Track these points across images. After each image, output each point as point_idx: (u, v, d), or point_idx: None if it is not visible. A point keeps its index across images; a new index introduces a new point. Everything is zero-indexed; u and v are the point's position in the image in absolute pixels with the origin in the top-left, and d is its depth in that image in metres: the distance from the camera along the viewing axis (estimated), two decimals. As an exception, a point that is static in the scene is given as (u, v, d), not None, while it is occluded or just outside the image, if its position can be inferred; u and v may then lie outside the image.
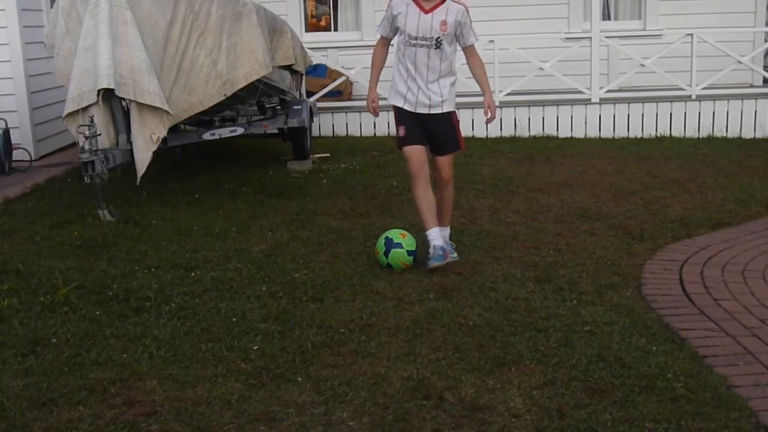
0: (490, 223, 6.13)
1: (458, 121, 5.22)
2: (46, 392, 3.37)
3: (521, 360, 3.66)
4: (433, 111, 5.03)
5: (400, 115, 5.09)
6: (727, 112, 10.58)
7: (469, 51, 5.12)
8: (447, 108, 5.06)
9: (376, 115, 5.30)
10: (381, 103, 5.27)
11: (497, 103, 10.36)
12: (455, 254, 5.09)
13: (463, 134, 5.23)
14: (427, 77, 4.96)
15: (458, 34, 4.98)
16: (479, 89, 5.16)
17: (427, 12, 4.88)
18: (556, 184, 7.53)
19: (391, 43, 5.23)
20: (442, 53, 4.94)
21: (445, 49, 4.93)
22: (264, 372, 3.55)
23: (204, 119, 7.67)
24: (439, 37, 4.89)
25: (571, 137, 10.45)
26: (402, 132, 5.07)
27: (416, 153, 5.03)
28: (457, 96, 5.01)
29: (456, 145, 5.15)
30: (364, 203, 6.75)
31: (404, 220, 6.14)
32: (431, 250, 4.97)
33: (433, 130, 5.07)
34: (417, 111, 5.03)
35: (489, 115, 5.07)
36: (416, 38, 4.90)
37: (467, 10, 4.96)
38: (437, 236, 5.02)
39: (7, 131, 7.97)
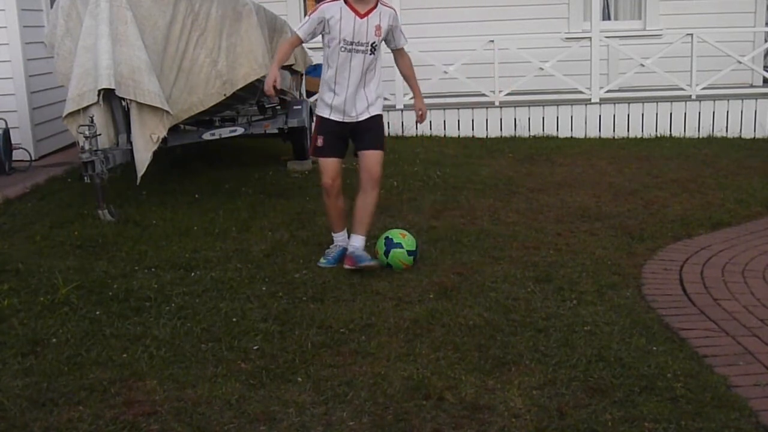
0: (490, 223, 6.13)
1: (382, 125, 5.09)
2: (46, 392, 3.37)
3: (521, 360, 3.66)
4: (361, 118, 4.94)
5: (323, 124, 4.97)
6: (727, 112, 10.58)
7: (399, 53, 5.10)
8: (374, 112, 4.97)
9: (273, 94, 4.90)
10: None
11: (497, 103, 10.36)
12: (373, 261, 4.88)
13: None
14: (357, 83, 4.86)
15: (388, 38, 4.96)
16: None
17: (362, 16, 4.79)
18: (556, 184, 7.53)
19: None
20: (374, 58, 4.88)
21: (376, 54, 4.89)
22: (264, 372, 3.55)
23: (204, 119, 7.67)
24: (374, 42, 4.83)
25: (571, 137, 10.45)
26: (320, 142, 4.96)
27: (331, 166, 4.95)
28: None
29: (382, 141, 5.01)
30: (364, 203, 6.74)
31: (404, 220, 6.14)
32: (330, 248, 5.11)
33: (360, 129, 4.96)
34: (345, 120, 4.93)
35: (420, 116, 5.09)
36: (352, 43, 4.78)
37: (396, 14, 4.97)
38: (344, 239, 5.11)
39: (7, 131, 7.96)
